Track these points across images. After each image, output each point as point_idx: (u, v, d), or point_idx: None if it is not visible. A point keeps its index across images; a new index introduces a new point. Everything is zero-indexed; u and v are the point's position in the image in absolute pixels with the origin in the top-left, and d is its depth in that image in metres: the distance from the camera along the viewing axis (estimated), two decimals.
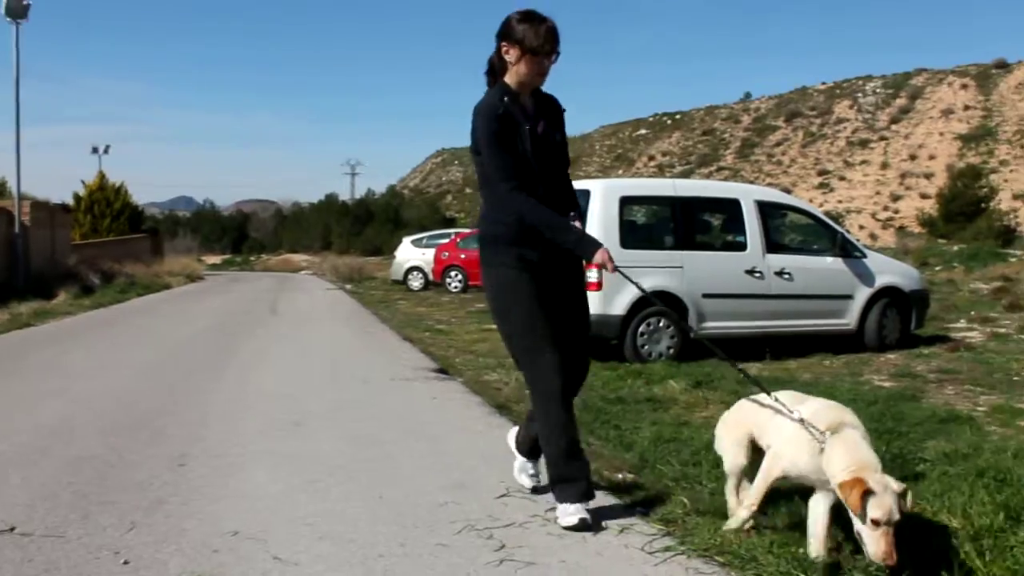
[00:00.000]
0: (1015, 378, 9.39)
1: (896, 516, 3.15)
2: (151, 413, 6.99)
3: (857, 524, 3.24)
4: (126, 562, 3.65)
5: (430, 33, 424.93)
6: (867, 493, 3.16)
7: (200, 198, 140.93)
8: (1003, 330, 14.23)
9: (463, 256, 26.10)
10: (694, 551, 3.80)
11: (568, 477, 4.11)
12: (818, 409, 3.70)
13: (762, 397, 4.00)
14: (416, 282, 28.27)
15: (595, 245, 4.13)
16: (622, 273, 4.24)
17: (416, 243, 29.74)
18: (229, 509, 4.42)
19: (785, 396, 3.92)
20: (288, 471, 5.20)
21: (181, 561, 3.67)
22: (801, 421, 3.61)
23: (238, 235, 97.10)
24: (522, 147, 4.12)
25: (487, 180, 4.23)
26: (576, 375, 4.37)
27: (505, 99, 4.12)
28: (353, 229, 78.37)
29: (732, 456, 4.13)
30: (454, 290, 25.83)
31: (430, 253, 27.76)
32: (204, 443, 5.97)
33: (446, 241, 28.06)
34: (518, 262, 4.16)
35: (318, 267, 50.03)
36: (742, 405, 4.24)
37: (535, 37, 4.05)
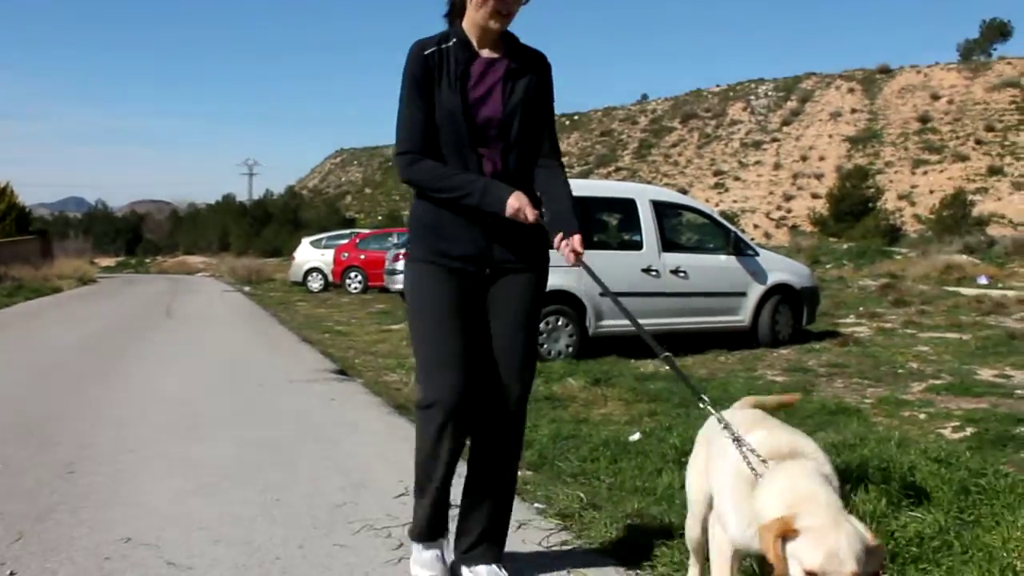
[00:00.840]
0: (899, 371, 9.75)
1: (850, 568, 2.12)
2: (39, 419, 6.76)
3: None
4: (12, 573, 3.55)
5: (328, 36, 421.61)
6: (787, 535, 2.22)
7: (92, 198, 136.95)
8: (889, 325, 14.76)
9: (363, 257, 26.09)
10: (589, 544, 3.87)
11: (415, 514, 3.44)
12: (767, 435, 2.67)
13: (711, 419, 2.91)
14: (316, 283, 27.95)
15: (505, 191, 3.19)
16: (544, 224, 3.30)
17: (315, 244, 29.37)
18: (121, 516, 4.31)
19: (738, 415, 2.90)
20: (182, 476, 5.08)
21: (71, 570, 3.57)
22: (736, 441, 2.60)
23: (132, 237, 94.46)
24: (450, 103, 3.22)
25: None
26: (493, 425, 3.40)
27: (447, 44, 3.28)
28: (251, 230, 76.97)
29: (688, 525, 3.12)
30: (354, 291, 25.59)
31: (329, 254, 27.45)
32: (94, 449, 5.80)
33: (345, 242, 27.81)
34: (433, 256, 3.30)
35: (215, 269, 49.10)
36: (701, 438, 3.10)
37: None
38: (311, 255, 28.78)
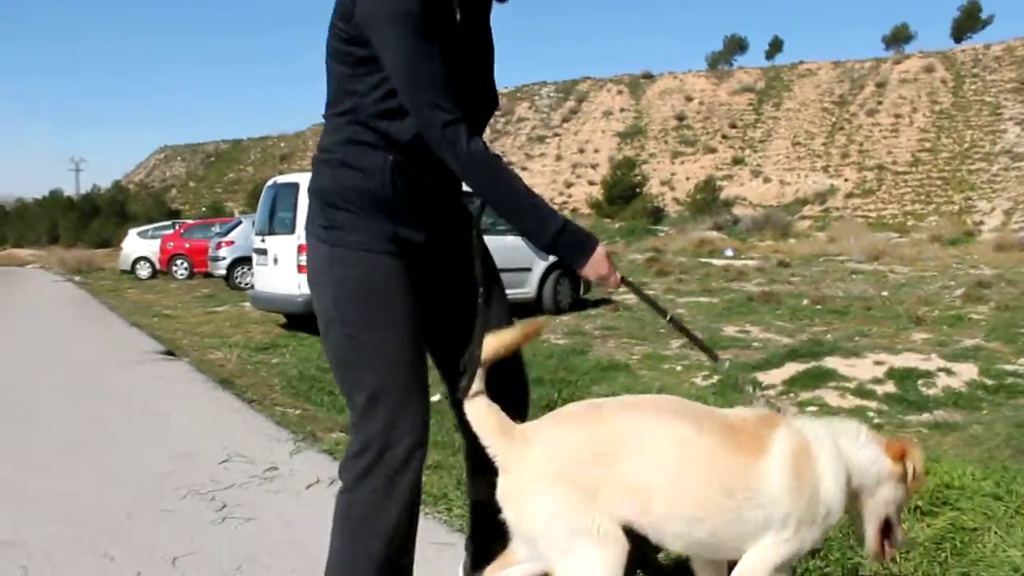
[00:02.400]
0: (661, 331, 10.26)
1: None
2: None
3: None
4: None
5: (149, 32, 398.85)
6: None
7: None
8: (653, 291, 15.46)
9: (187, 245, 25.30)
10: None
11: None
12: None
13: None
14: (144, 271, 26.69)
15: (589, 242, 2.14)
16: (633, 288, 2.38)
17: (142, 234, 28.05)
18: None
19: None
20: (8, 458, 4.77)
21: None
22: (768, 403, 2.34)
23: None
24: (453, 44, 2.11)
25: (353, 87, 2.14)
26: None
27: None
28: (80, 223, 72.33)
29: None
30: (180, 277, 24.71)
31: (156, 243, 26.38)
32: None
33: (171, 232, 26.78)
34: (392, 245, 2.15)
35: (45, 261, 45.80)
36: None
37: None
38: (138, 245, 27.51)
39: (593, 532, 1.90)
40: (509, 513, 1.99)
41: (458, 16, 2.12)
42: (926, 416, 6.19)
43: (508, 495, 1.99)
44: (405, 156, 2.12)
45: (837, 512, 2.03)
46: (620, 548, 1.90)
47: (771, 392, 6.81)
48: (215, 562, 3.16)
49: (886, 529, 2.17)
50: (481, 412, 2.05)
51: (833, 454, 2.03)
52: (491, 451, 2.02)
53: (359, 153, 2.13)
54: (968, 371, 7.34)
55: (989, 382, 6.99)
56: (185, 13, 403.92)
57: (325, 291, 2.18)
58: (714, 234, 33.71)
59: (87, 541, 3.42)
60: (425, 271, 2.25)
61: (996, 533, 3.24)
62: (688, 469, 1.92)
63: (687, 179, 67.19)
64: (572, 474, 1.91)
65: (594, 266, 2.13)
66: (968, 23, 77.03)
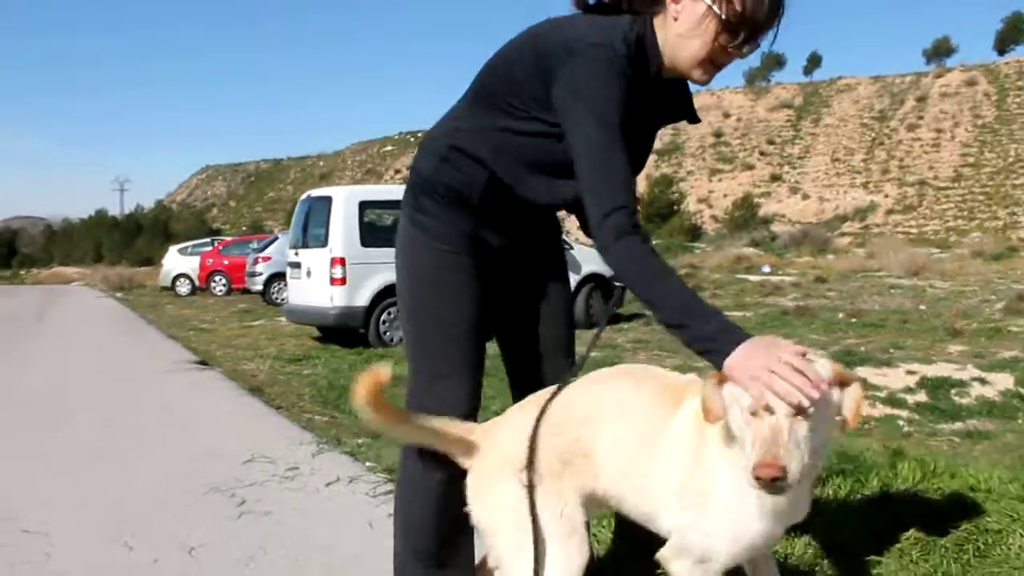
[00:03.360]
0: (663, 357, 10.22)
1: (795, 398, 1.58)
2: None
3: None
4: None
5: (193, 52, 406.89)
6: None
7: None
8: None
9: (226, 262, 25.58)
10: None
11: None
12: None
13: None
14: (183, 288, 27.08)
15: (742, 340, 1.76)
16: None
17: (182, 251, 28.52)
18: None
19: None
20: (38, 460, 4.85)
21: None
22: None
23: (7, 251, 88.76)
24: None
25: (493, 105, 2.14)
26: None
27: (632, 62, 1.97)
28: (123, 242, 73.86)
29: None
30: (219, 293, 25.02)
31: (195, 260, 26.78)
32: None
33: (209, 248, 27.20)
34: (468, 242, 2.22)
35: (90, 279, 46.64)
36: None
37: (756, 6, 1.92)
38: (178, 262, 27.96)
39: (556, 517, 1.84)
40: (473, 507, 1.96)
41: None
42: (958, 425, 6.11)
43: (473, 488, 1.95)
44: (504, 179, 2.16)
45: (751, 500, 1.71)
46: (584, 550, 1.85)
47: None
48: (228, 552, 3.21)
49: None
50: (432, 428, 2.02)
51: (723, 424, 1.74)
52: (456, 456, 2.00)
53: (463, 161, 2.19)
54: (1004, 381, 7.22)
55: None
56: (228, 32, 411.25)
57: (400, 268, 2.32)
58: (751, 250, 33.44)
59: (108, 531, 3.49)
60: (500, 271, 2.32)
61: (1021, 535, 3.18)
62: (622, 425, 1.87)
63: (724, 196, 66.97)
64: (536, 454, 1.87)
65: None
66: (1012, 35, 76.12)
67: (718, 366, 1.73)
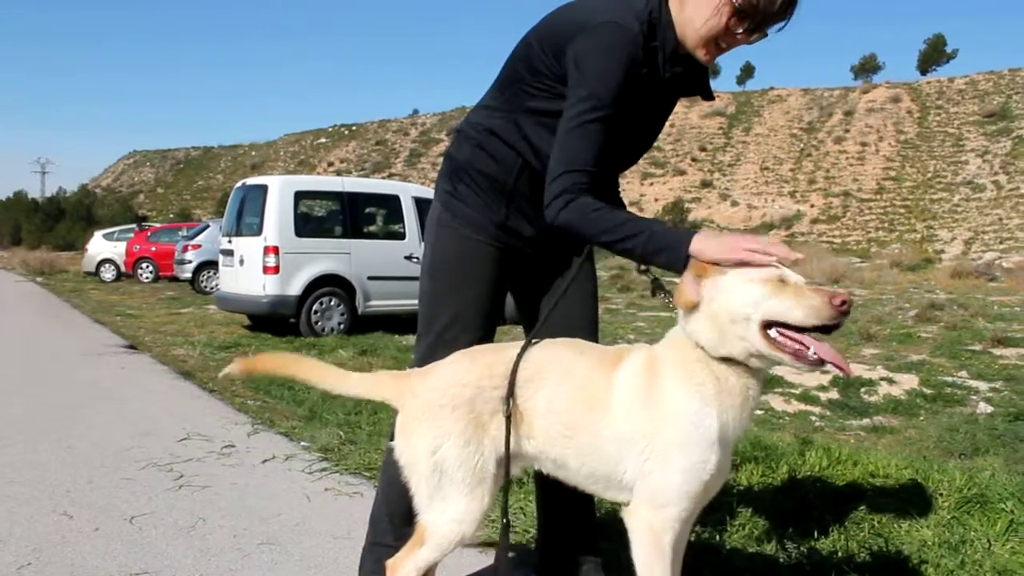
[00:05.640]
0: (619, 341, 10.48)
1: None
2: None
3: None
4: None
5: (122, 35, 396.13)
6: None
7: None
8: (614, 306, 15.74)
9: (154, 248, 25.18)
10: (347, 470, 4.11)
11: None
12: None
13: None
14: (108, 274, 26.51)
15: (683, 239, 1.94)
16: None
17: (108, 237, 27.83)
18: None
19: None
20: None
21: None
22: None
23: None
24: (628, 123, 2.19)
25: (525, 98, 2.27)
26: None
27: (646, 39, 2.12)
28: (44, 226, 71.61)
29: None
30: (145, 280, 24.59)
31: (122, 246, 26.16)
32: None
33: (137, 235, 26.66)
34: (499, 231, 2.38)
35: (7, 262, 45.30)
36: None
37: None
38: (104, 247, 27.31)
39: (470, 469, 1.97)
40: (397, 443, 2.05)
41: (667, 73, 2.18)
42: (866, 421, 6.46)
43: (400, 425, 2.04)
44: (536, 163, 2.27)
45: (708, 424, 1.86)
46: (485, 500, 1.99)
47: None
48: (170, 521, 3.32)
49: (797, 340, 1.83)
50: (368, 380, 2.12)
51: (676, 361, 1.91)
52: (389, 399, 2.08)
53: (497, 145, 2.32)
54: (910, 381, 7.63)
55: (928, 391, 7.28)
56: (161, 16, 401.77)
57: (427, 243, 2.46)
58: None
59: (47, 502, 3.56)
60: (530, 261, 2.46)
61: (911, 515, 3.47)
62: (560, 389, 1.98)
63: (656, 200, 67.97)
64: (466, 401, 1.98)
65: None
66: (934, 56, 78.81)
67: (679, 261, 1.90)
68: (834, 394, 7.19)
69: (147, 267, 25.03)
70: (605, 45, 2.07)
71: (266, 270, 10.30)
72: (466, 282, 2.37)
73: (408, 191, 11.77)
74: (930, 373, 8.04)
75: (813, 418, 6.54)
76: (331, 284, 10.55)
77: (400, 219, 11.32)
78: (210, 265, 18.85)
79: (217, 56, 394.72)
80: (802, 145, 73.50)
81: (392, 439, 2.11)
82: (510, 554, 2.55)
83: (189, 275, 20.19)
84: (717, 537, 3.18)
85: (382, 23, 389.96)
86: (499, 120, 2.32)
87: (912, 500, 3.64)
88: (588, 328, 2.52)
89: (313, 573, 2.87)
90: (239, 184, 12.00)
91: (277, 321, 10.79)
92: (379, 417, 5.40)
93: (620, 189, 2.48)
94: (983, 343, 10.16)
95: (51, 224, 71.74)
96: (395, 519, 2.39)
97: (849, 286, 22.18)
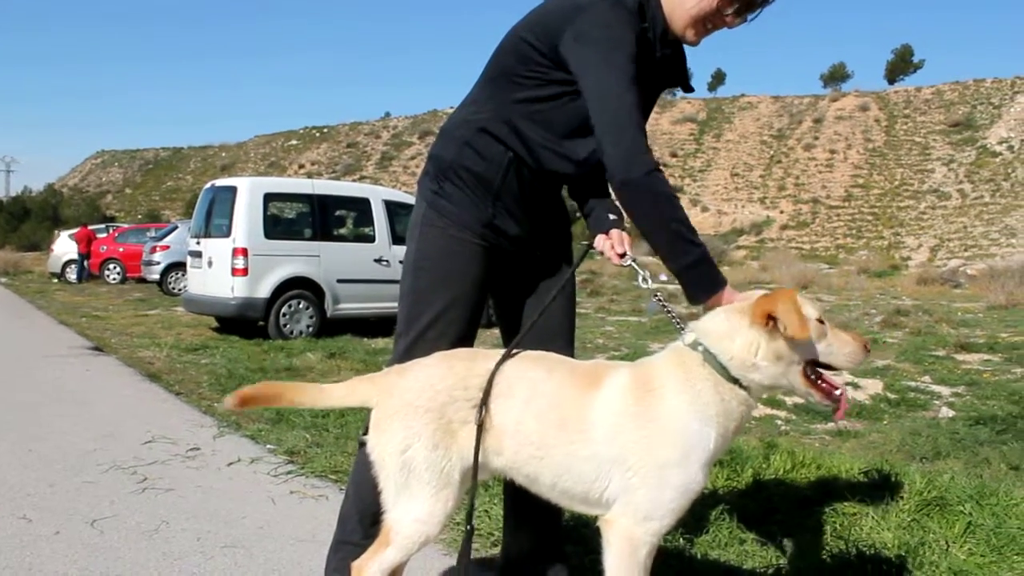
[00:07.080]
0: (588, 345, 10.53)
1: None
2: None
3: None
4: None
5: (90, 32, 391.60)
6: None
7: None
8: (584, 310, 15.75)
9: (121, 250, 24.91)
10: (312, 472, 4.09)
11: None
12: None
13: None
14: (74, 274, 26.20)
15: (718, 284, 2.16)
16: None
17: (73, 237, 27.51)
18: None
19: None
20: None
21: None
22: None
23: None
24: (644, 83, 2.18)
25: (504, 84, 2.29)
26: None
27: (645, 24, 2.20)
28: (8, 225, 70.49)
29: None
30: (112, 281, 24.28)
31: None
32: None
33: (104, 236, 26.33)
34: (486, 230, 2.37)
35: None
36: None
37: None
38: (69, 247, 26.89)
39: (437, 472, 1.97)
40: (371, 439, 2.04)
41: (658, 53, 2.24)
42: (830, 425, 6.52)
43: (374, 421, 2.04)
44: (527, 156, 2.29)
45: (706, 445, 1.91)
46: (450, 503, 1.99)
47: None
48: (133, 524, 3.29)
49: (817, 377, 1.97)
50: (343, 388, 2.12)
51: (681, 379, 1.95)
52: (366, 401, 2.07)
53: (485, 142, 2.31)
54: (875, 386, 7.72)
55: (892, 396, 7.38)
56: (130, 9, 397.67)
57: (411, 242, 2.44)
58: (650, 259, 34.15)
59: (6, 505, 3.52)
60: (513, 261, 2.46)
61: (872, 517, 3.51)
62: (532, 406, 1.98)
63: None
64: (439, 406, 1.98)
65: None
66: (901, 66, 79.85)
67: (701, 297, 2.14)
68: (799, 398, 7.25)
69: (114, 268, 24.73)
70: (610, 18, 2.10)
71: (235, 272, 10.23)
72: (451, 281, 2.35)
73: (378, 194, 11.72)
74: (894, 378, 8.14)
75: (779, 422, 6.60)
76: (300, 287, 10.50)
77: (370, 222, 11.27)
78: (178, 266, 18.70)
79: (187, 56, 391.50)
80: (772, 152, 74.11)
81: (363, 438, 2.11)
82: (472, 557, 2.55)
83: (157, 276, 20.00)
84: (680, 541, 3.20)
85: (354, 25, 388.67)
86: (488, 115, 2.31)
87: (873, 503, 3.68)
88: (566, 337, 2.55)
89: None
90: (208, 185, 11.91)
91: (245, 323, 10.72)
92: (346, 420, 5.39)
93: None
94: (946, 349, 10.29)
95: (15, 224, 70.66)
96: (364, 519, 2.38)
97: (817, 292, 22.40)
